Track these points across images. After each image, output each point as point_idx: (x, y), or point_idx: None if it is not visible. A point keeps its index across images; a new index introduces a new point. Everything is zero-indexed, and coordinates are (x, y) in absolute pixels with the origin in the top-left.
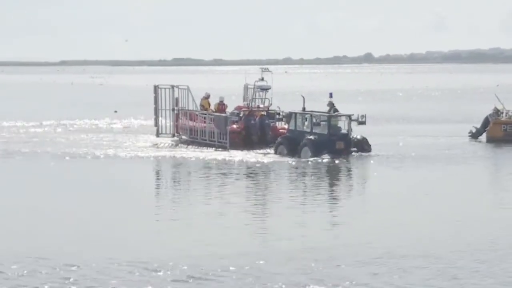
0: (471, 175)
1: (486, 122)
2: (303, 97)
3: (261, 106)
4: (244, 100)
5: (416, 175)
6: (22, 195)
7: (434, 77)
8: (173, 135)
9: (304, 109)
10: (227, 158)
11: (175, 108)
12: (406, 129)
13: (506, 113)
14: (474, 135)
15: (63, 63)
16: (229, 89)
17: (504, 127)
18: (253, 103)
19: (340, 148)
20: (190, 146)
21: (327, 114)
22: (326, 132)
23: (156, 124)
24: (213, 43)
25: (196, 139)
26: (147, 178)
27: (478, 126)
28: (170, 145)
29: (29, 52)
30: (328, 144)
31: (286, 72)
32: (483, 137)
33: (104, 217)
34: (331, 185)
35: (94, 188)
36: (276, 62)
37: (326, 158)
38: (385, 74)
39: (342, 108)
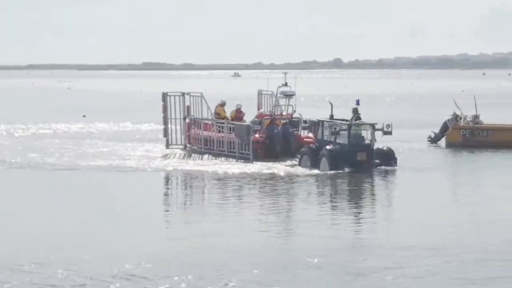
0: None
1: (444, 127)
2: (331, 103)
3: (284, 113)
4: (258, 107)
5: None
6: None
7: (402, 82)
8: (185, 146)
9: (331, 116)
10: (252, 171)
11: (187, 116)
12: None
13: (464, 118)
14: (433, 140)
15: (30, 67)
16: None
17: (463, 132)
18: (275, 110)
19: (361, 160)
20: (206, 158)
21: (347, 123)
22: (346, 142)
23: (166, 134)
24: (182, 47)
25: (212, 150)
26: (174, 194)
27: (437, 131)
28: (182, 156)
29: None
30: (348, 156)
31: (256, 76)
32: (442, 142)
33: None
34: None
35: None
36: (246, 67)
37: (345, 171)
38: (354, 79)
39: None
